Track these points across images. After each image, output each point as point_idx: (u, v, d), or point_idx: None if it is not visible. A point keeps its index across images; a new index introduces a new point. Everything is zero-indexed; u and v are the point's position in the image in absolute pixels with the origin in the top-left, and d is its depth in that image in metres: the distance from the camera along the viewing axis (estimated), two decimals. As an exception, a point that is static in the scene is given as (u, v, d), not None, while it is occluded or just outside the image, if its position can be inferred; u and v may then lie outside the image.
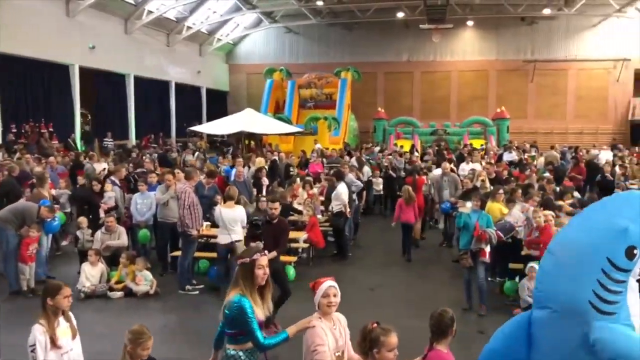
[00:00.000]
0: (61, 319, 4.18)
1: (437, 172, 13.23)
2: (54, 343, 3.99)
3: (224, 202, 9.48)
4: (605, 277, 2.88)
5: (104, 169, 14.19)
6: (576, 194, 12.19)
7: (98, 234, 9.43)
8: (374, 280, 9.51)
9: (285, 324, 6.50)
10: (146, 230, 10.10)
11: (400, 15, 29.32)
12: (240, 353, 3.73)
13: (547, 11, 28.23)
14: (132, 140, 24.47)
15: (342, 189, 10.92)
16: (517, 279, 8.64)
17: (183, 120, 28.58)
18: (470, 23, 31.21)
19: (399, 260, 11.08)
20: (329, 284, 3.87)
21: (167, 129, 28.03)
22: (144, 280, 8.77)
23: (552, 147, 21.35)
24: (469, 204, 8.29)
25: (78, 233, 9.83)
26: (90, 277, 8.81)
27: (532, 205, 9.10)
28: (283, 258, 9.65)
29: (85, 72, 21.35)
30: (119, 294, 8.64)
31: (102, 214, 10.03)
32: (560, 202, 10.45)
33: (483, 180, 11.65)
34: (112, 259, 9.29)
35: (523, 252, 8.67)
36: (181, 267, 8.93)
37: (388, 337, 3.54)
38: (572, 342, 2.91)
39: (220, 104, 33.57)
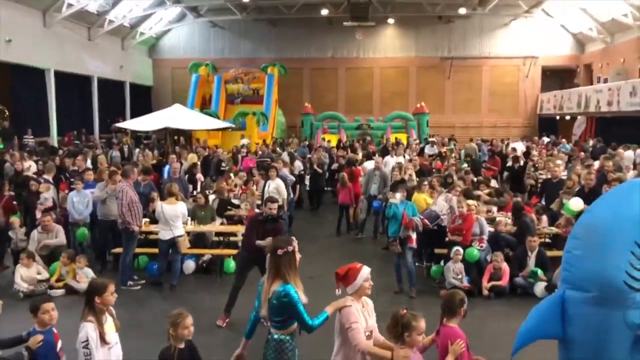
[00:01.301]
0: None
1: (368, 165, 13.91)
2: (103, 339, 4.12)
3: (162, 198, 9.67)
4: (635, 258, 3.34)
5: (29, 167, 13.86)
6: (493, 183, 13.21)
7: (34, 233, 9.35)
8: (312, 270, 9.94)
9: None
10: (84, 228, 10.09)
11: (324, 12, 29.94)
12: (287, 337, 4.07)
13: (462, 10, 29.74)
14: (54, 137, 23.65)
15: (280, 184, 11.34)
16: (442, 263, 9.42)
17: (106, 116, 27.85)
18: (391, 21, 32.30)
19: (334, 251, 11.64)
20: (368, 269, 4.24)
21: (89, 125, 27.22)
22: (85, 278, 8.79)
23: (471, 140, 22.70)
24: (398, 195, 8.91)
25: (11, 233, 9.70)
26: (28, 280, 8.74)
27: (454, 195, 9.89)
28: (223, 251, 10.05)
29: (1, 66, 20.46)
30: (60, 291, 8.64)
31: (38, 215, 9.91)
32: (478, 192, 11.39)
33: (410, 175, 12.38)
34: (50, 257, 9.24)
35: (447, 239, 9.44)
36: (123, 263, 9.04)
37: (418, 322, 3.91)
38: (609, 319, 3.32)
39: (144, 100, 32.93)
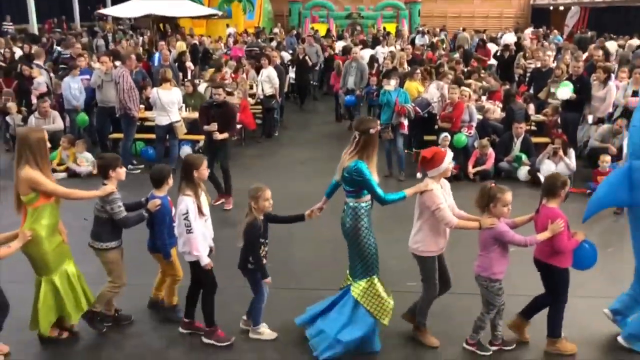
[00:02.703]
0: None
1: (364, 53, 13.85)
2: (200, 211, 4.37)
3: (153, 85, 9.70)
4: None
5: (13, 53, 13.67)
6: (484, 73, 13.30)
7: (32, 119, 9.45)
8: (303, 155, 10.35)
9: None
10: (83, 114, 10.16)
11: None
12: (362, 204, 4.35)
13: None
14: (34, 24, 22.83)
15: (272, 73, 11.37)
16: (431, 149, 9.75)
17: (86, 2, 26.84)
18: None
19: (324, 139, 11.90)
20: (452, 154, 4.51)
21: (69, 12, 26.26)
22: (86, 162, 9.07)
23: (464, 30, 22.35)
24: (392, 82, 9.04)
25: (8, 119, 9.79)
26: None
27: (445, 83, 10.05)
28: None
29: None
30: (62, 174, 8.90)
31: (34, 100, 9.93)
32: (469, 81, 11.54)
33: (401, 64, 12.39)
34: (48, 143, 9.40)
35: (437, 126, 9.71)
36: (124, 148, 9.27)
37: (504, 194, 4.15)
38: None
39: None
